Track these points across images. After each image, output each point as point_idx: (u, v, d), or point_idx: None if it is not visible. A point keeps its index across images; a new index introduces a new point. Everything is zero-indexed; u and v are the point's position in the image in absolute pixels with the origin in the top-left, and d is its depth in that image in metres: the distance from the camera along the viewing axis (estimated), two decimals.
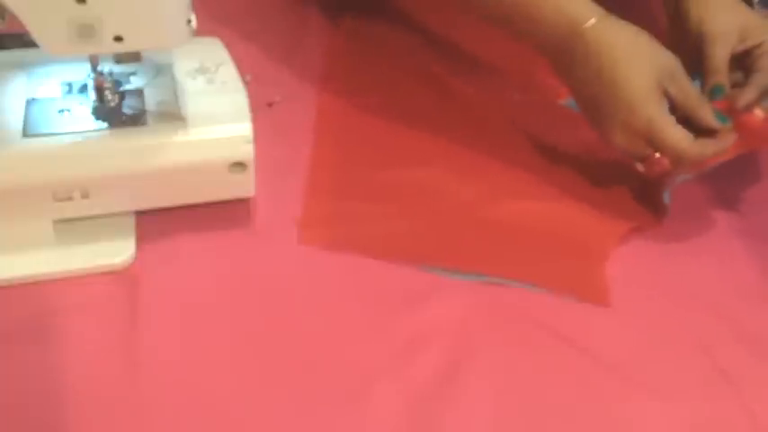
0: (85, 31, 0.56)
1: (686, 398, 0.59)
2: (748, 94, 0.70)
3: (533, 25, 0.70)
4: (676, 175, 0.71)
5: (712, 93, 0.71)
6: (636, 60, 0.67)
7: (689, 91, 0.68)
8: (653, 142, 0.67)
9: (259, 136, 0.64)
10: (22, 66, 0.66)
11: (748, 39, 0.72)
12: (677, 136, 0.67)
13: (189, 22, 0.59)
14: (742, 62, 0.73)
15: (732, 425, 0.57)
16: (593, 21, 0.68)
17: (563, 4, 0.69)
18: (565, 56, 0.69)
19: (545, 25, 0.69)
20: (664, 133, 0.66)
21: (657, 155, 0.68)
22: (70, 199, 0.61)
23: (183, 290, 0.62)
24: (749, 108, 0.69)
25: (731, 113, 0.69)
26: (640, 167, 0.70)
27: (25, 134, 0.61)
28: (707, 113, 0.68)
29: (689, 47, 0.74)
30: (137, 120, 0.63)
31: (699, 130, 0.68)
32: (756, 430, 0.57)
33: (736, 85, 0.72)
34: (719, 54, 0.72)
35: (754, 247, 0.70)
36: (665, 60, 0.68)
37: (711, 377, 0.60)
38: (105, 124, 0.63)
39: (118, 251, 0.63)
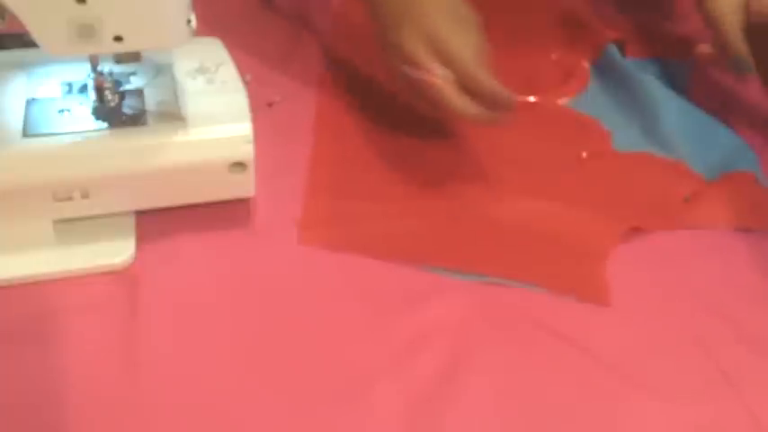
0: (85, 31, 0.56)
1: (686, 398, 0.58)
2: None
3: None
4: None
5: (737, 67, 0.69)
6: None
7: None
8: (437, 47, 0.66)
9: (259, 136, 0.64)
10: (22, 66, 0.66)
11: (753, 4, 0.70)
12: (460, 44, 0.66)
13: (189, 22, 0.59)
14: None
15: (732, 426, 0.57)
16: None
17: None
18: None
19: None
20: (450, 41, 0.66)
21: (435, 65, 0.66)
22: (70, 199, 0.61)
23: (183, 290, 0.62)
24: None
25: None
26: (408, 71, 0.67)
27: (25, 134, 0.61)
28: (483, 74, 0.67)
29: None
30: (137, 120, 0.63)
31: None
32: (757, 431, 0.57)
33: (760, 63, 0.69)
34: (731, 20, 0.70)
35: (756, 247, 0.70)
36: (467, 10, 0.69)
37: (712, 377, 0.60)
38: (105, 124, 0.63)
39: (118, 251, 0.63)
